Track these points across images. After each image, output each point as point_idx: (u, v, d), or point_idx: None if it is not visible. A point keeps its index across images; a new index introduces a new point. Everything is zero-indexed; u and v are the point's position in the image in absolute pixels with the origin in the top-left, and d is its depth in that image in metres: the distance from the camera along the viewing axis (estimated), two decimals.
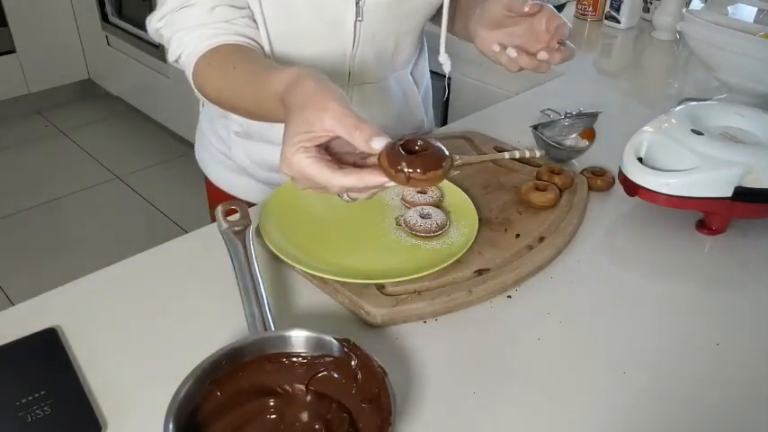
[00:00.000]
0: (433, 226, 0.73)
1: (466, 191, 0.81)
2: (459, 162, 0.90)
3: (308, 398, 0.58)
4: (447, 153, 0.53)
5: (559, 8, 1.59)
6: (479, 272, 0.70)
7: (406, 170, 0.51)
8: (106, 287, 0.71)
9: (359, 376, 0.56)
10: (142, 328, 0.65)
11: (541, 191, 0.80)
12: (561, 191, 0.82)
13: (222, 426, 0.55)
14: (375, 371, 0.54)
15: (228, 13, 0.76)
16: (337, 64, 0.86)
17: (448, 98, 1.54)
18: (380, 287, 0.67)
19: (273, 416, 0.57)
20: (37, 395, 0.57)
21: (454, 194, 0.81)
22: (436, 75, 1.01)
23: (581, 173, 0.88)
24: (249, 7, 0.78)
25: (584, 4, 1.66)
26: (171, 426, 0.49)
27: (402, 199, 0.80)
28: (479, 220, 0.76)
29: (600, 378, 0.60)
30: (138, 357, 0.62)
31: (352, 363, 0.56)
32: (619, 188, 0.82)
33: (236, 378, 0.56)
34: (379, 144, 0.52)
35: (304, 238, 0.73)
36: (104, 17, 2.79)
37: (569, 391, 0.59)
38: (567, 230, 0.77)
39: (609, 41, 1.57)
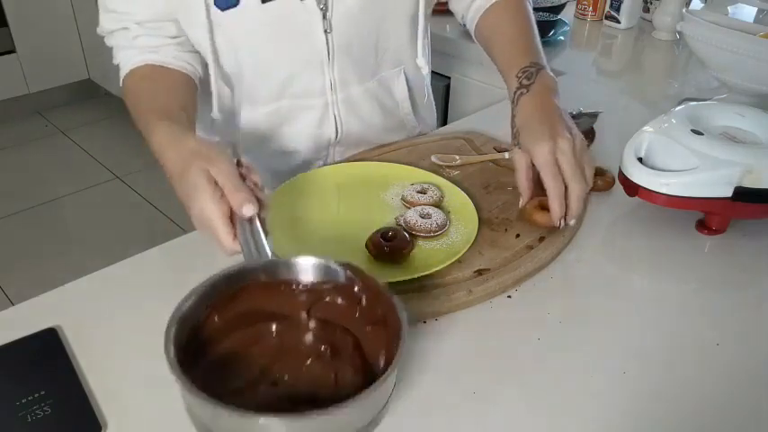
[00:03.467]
0: (433, 226, 0.73)
1: (466, 191, 0.81)
2: (458, 162, 0.91)
3: (311, 323, 0.58)
4: (409, 239, 0.71)
5: (559, 8, 1.59)
6: (479, 272, 0.70)
7: (387, 252, 0.69)
8: (106, 287, 0.71)
9: (362, 301, 0.56)
10: (142, 328, 0.65)
11: (546, 210, 0.78)
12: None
13: (223, 348, 0.55)
14: (380, 293, 0.53)
15: (151, 41, 0.81)
16: (316, 75, 0.86)
17: (447, 101, 1.54)
18: None
19: (276, 339, 0.57)
20: (37, 395, 0.57)
21: (454, 194, 0.81)
22: (439, 75, 1.02)
23: None
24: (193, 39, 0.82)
25: (584, 4, 1.66)
26: (173, 332, 0.49)
27: (402, 199, 0.80)
28: (479, 220, 0.76)
29: (600, 378, 0.60)
30: (139, 357, 0.62)
31: (356, 287, 0.56)
32: (619, 188, 0.82)
33: (235, 303, 0.56)
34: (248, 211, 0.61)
35: (304, 239, 0.73)
36: None
37: (569, 391, 0.59)
38: (567, 230, 0.77)
39: (609, 41, 1.57)
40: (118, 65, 0.84)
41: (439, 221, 0.74)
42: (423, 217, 0.74)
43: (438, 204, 0.79)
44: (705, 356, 0.63)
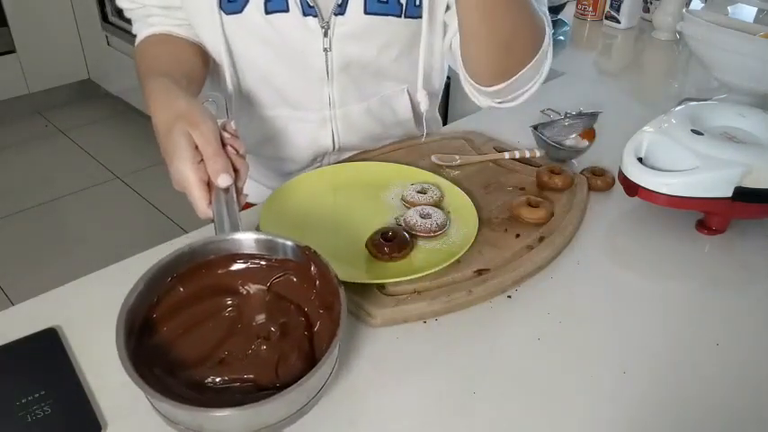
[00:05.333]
0: (433, 226, 0.73)
1: (466, 191, 0.81)
2: (458, 162, 0.91)
3: (268, 298, 0.59)
4: (409, 239, 0.71)
5: (559, 8, 1.59)
6: (479, 272, 0.70)
7: (387, 252, 0.69)
8: (106, 287, 0.71)
9: (317, 283, 0.57)
10: None
11: (533, 207, 0.78)
12: (554, 209, 0.80)
13: (180, 321, 0.56)
14: (331, 280, 0.55)
15: (165, 20, 0.84)
16: (315, 90, 0.86)
17: (447, 101, 1.54)
18: (380, 287, 0.67)
19: (232, 314, 0.59)
20: (37, 395, 0.57)
21: (454, 194, 0.81)
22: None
23: (581, 173, 0.88)
24: (208, 46, 0.84)
25: (584, 4, 1.66)
26: (125, 318, 0.51)
27: (402, 199, 0.80)
28: (479, 220, 0.76)
29: (600, 378, 0.60)
30: None
31: (312, 270, 0.57)
32: (619, 188, 0.82)
33: (200, 274, 0.58)
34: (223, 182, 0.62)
35: (304, 239, 0.73)
36: (104, 17, 2.79)
37: (569, 391, 0.59)
38: (567, 230, 0.77)
39: (609, 41, 1.57)
40: (136, 35, 0.88)
41: (439, 221, 0.74)
42: (423, 217, 0.74)
43: (438, 204, 0.78)
44: (705, 356, 0.63)
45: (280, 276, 0.60)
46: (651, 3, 1.63)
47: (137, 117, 3.02)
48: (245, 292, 0.60)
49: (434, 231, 0.73)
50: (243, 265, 0.60)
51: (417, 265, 0.69)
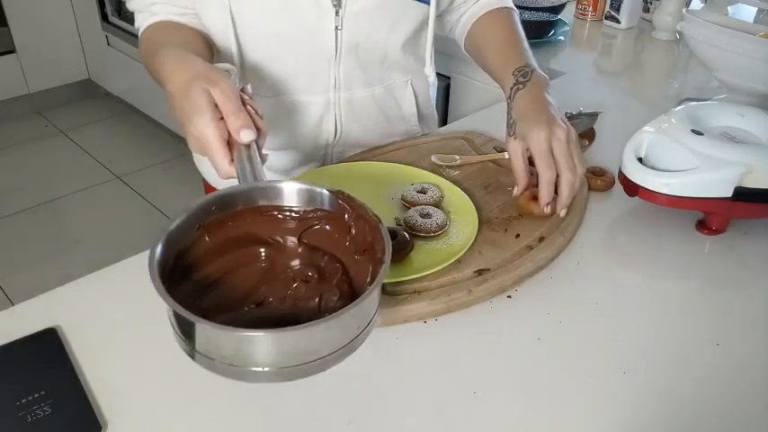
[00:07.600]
0: (433, 226, 0.73)
1: (466, 191, 0.81)
2: (458, 162, 0.91)
3: (300, 249, 0.57)
4: (409, 239, 0.71)
5: (559, 8, 1.59)
6: (479, 272, 0.70)
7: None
8: (106, 287, 0.71)
9: (352, 229, 0.56)
10: (142, 328, 0.65)
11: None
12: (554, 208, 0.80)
13: (211, 269, 0.54)
14: (370, 219, 0.54)
15: (169, 9, 0.83)
16: (321, 72, 0.86)
17: (447, 101, 1.54)
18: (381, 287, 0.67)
19: (264, 263, 0.57)
20: (37, 395, 0.57)
21: (454, 194, 0.81)
22: (439, 75, 1.02)
23: None
24: (215, 23, 0.83)
25: (584, 4, 1.66)
26: (157, 254, 0.48)
27: (402, 199, 0.80)
28: (479, 220, 0.76)
29: (600, 378, 0.60)
30: (138, 357, 0.62)
31: (346, 215, 0.56)
32: (619, 188, 0.82)
33: (226, 226, 0.56)
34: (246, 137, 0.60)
35: None
36: (104, 17, 2.79)
37: (569, 392, 0.59)
38: (567, 230, 0.77)
39: (609, 41, 1.57)
40: (138, 28, 0.86)
41: (439, 221, 0.74)
42: (423, 217, 0.74)
43: (438, 204, 0.78)
44: (705, 356, 0.63)
45: (311, 227, 0.57)
46: (651, 3, 1.63)
47: (137, 117, 3.02)
48: (276, 244, 0.58)
49: (434, 231, 0.73)
50: (272, 217, 0.57)
51: (417, 265, 0.69)
